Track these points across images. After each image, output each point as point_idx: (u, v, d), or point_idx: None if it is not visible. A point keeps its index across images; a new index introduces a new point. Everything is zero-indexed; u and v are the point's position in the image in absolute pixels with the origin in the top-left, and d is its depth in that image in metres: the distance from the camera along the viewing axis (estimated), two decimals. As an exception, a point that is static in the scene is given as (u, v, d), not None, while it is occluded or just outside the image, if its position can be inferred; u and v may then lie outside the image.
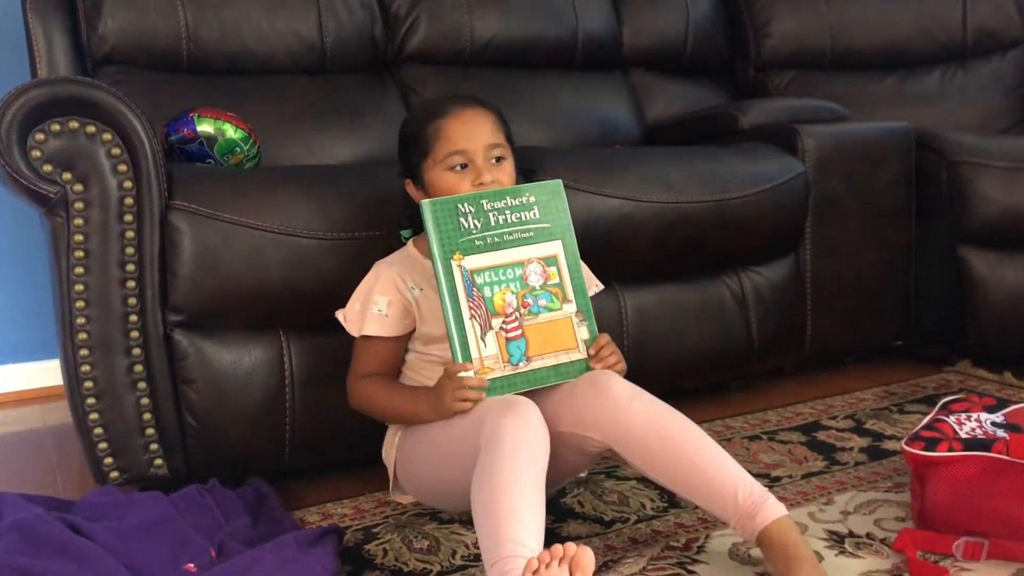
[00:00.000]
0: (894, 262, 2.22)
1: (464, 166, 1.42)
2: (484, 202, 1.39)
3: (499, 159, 1.44)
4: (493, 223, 1.39)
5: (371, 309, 1.44)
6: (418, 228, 1.50)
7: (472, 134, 1.42)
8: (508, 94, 2.32)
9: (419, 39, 2.33)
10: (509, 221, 1.40)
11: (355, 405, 1.49)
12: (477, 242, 1.38)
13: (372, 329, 1.44)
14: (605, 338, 1.42)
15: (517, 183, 1.47)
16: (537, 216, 1.41)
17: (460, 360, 1.34)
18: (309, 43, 2.19)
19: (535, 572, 1.05)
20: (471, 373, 1.34)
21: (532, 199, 1.41)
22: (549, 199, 1.42)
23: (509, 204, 1.40)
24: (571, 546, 1.07)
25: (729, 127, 2.28)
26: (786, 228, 2.06)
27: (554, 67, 2.49)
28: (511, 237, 1.39)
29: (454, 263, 1.36)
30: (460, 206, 1.38)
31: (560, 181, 1.45)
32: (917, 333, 2.29)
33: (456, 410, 1.34)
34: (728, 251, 2.00)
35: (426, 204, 1.37)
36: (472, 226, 1.37)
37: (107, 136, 1.46)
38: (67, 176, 1.45)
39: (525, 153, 1.87)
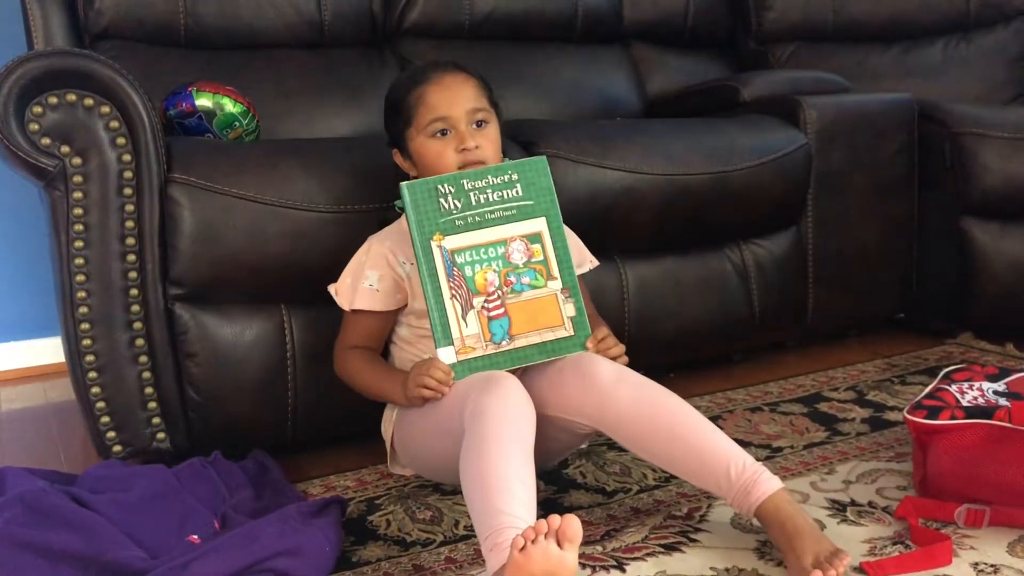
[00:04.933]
0: (896, 234, 2.21)
1: (446, 132, 1.41)
2: (465, 182, 1.37)
3: (482, 123, 1.43)
4: (474, 202, 1.37)
5: (362, 283, 1.44)
6: None
7: (453, 100, 1.41)
8: (508, 67, 2.32)
9: (418, 12, 2.31)
10: (491, 200, 1.38)
11: (340, 374, 1.50)
12: (457, 222, 1.36)
13: (363, 303, 1.44)
14: (603, 331, 1.41)
15: (510, 152, 1.45)
16: (520, 194, 1.39)
17: (440, 340, 1.34)
18: (307, 17, 2.17)
19: (522, 549, 1.03)
20: (453, 358, 1.33)
21: (515, 176, 1.39)
22: (533, 176, 1.40)
23: (491, 183, 1.38)
24: (555, 518, 1.05)
25: (731, 99, 2.26)
26: (788, 200, 2.06)
27: (554, 40, 2.47)
28: (493, 216, 1.38)
29: (434, 244, 1.35)
30: (440, 187, 1.36)
31: (544, 158, 1.43)
32: (919, 305, 2.29)
33: (414, 395, 1.35)
34: (730, 223, 2.00)
35: (404, 187, 1.36)
36: (452, 206, 1.36)
37: (105, 109, 1.45)
38: (65, 149, 1.44)
39: (525, 126, 1.88)
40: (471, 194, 1.37)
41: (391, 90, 1.51)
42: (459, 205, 1.37)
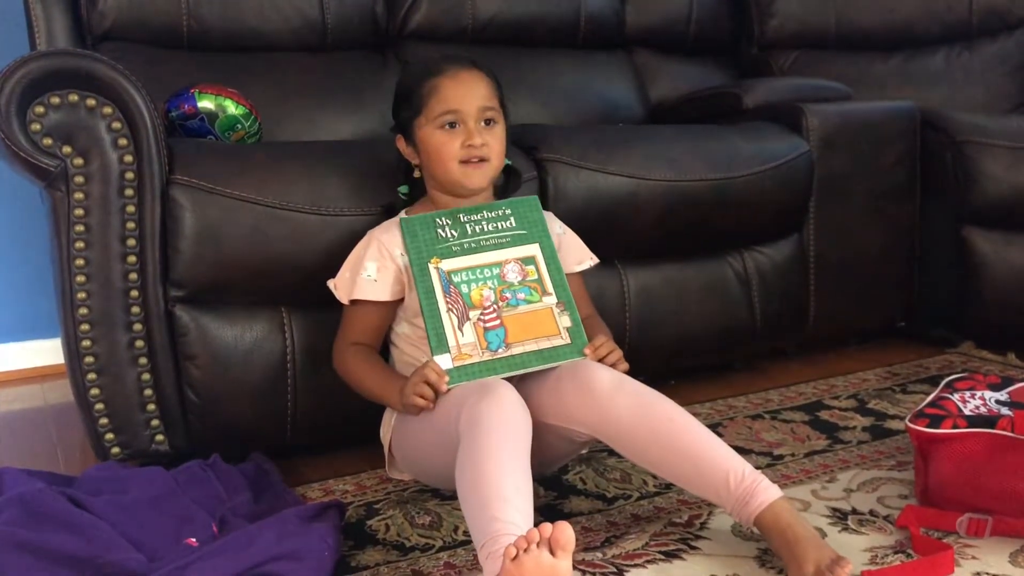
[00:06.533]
0: (898, 242, 2.21)
1: (455, 124, 1.42)
2: (461, 216, 1.43)
3: (490, 121, 1.45)
4: (470, 232, 1.42)
5: (361, 274, 1.45)
6: (414, 186, 1.54)
7: (466, 95, 1.43)
8: (510, 72, 2.29)
9: (421, 16, 2.31)
10: (486, 230, 1.43)
11: (338, 371, 1.49)
12: (454, 248, 1.41)
13: (361, 293, 1.44)
14: (601, 339, 1.40)
15: (512, 156, 1.47)
16: (514, 224, 1.44)
17: (435, 349, 1.34)
18: (310, 20, 2.18)
19: (514, 558, 1.03)
20: (450, 364, 1.33)
21: (508, 211, 1.45)
22: (526, 211, 1.46)
23: (486, 216, 1.44)
24: (547, 526, 1.04)
25: (733, 106, 2.26)
26: (790, 207, 2.05)
27: (557, 46, 2.48)
28: (488, 243, 1.42)
29: (431, 266, 1.39)
30: (437, 219, 1.42)
31: (536, 198, 1.49)
32: (920, 314, 2.29)
33: (410, 403, 1.34)
34: (731, 230, 2.00)
35: (402, 222, 1.41)
36: (449, 235, 1.41)
37: (107, 110, 1.45)
38: (67, 150, 1.44)
39: (528, 130, 1.87)
40: (467, 225, 1.43)
41: (404, 77, 1.52)
42: (455, 234, 1.42)
